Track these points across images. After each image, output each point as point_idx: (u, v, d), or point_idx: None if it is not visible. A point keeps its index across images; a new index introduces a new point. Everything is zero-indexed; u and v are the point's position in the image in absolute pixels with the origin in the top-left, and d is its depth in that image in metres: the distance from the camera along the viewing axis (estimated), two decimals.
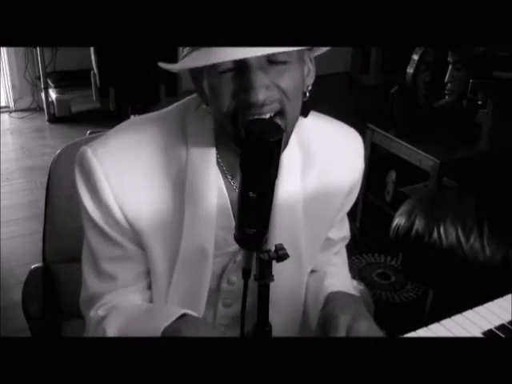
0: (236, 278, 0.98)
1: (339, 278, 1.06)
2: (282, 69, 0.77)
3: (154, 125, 0.90)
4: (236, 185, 0.90)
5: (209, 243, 0.90)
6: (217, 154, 0.88)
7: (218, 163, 0.89)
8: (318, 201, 0.96)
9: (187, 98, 0.93)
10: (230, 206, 0.91)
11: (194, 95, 0.91)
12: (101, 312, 0.93)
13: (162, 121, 0.90)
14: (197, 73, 0.82)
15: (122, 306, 0.93)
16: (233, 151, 0.86)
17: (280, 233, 0.90)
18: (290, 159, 0.91)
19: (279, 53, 0.74)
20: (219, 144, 0.88)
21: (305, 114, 0.85)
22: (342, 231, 1.11)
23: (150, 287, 0.96)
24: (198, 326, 0.83)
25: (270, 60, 0.75)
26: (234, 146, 0.85)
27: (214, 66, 0.75)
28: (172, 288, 0.92)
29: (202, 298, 0.95)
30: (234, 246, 0.93)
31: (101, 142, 0.88)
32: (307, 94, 0.85)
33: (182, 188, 0.87)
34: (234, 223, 0.91)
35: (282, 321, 0.98)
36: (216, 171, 0.88)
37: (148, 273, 0.94)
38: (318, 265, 1.08)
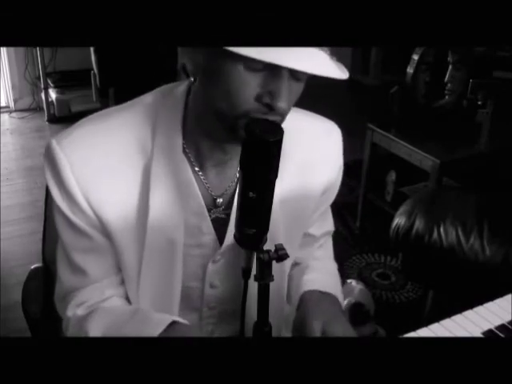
0: (219, 282, 0.98)
1: (321, 272, 1.06)
2: (297, 85, 0.78)
3: (121, 114, 0.89)
4: (204, 177, 0.90)
5: (176, 232, 0.89)
6: (183, 143, 0.88)
7: (185, 153, 0.88)
8: (294, 198, 0.95)
9: (156, 89, 0.92)
10: (199, 193, 0.90)
11: (162, 87, 0.91)
12: (79, 312, 0.92)
13: (129, 110, 0.90)
14: (209, 54, 0.77)
15: (102, 308, 0.91)
16: (206, 142, 0.86)
17: None
18: None
19: (302, 72, 0.74)
20: (188, 133, 0.87)
21: None
22: (324, 227, 1.10)
23: (123, 282, 0.95)
24: (187, 334, 0.83)
25: (293, 75, 0.75)
26: (204, 140, 0.86)
27: (244, 61, 0.72)
28: (142, 280, 0.91)
29: (176, 290, 0.93)
30: (210, 238, 0.93)
31: (66, 132, 0.88)
32: None
33: (147, 176, 0.87)
34: (205, 209, 0.91)
35: None
36: (183, 159, 0.88)
37: (119, 267, 0.93)
38: (301, 259, 1.09)
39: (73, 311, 0.93)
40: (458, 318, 1.04)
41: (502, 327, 1.02)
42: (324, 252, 1.15)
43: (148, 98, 0.91)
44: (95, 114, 0.91)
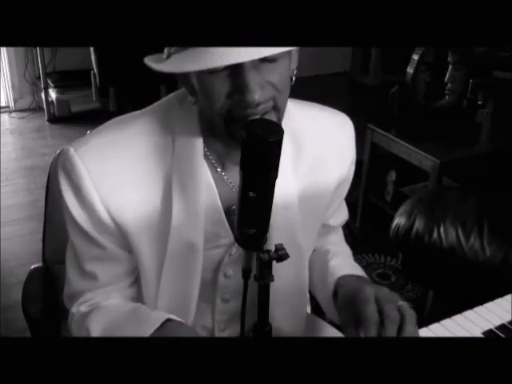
0: (232, 272, 0.97)
1: (343, 257, 1.08)
2: (273, 66, 0.77)
3: (139, 121, 0.89)
4: (227, 177, 0.90)
5: (197, 238, 0.89)
6: (204, 147, 0.88)
7: (206, 156, 0.88)
8: (310, 193, 0.96)
9: (171, 95, 0.93)
10: (218, 199, 0.90)
11: (177, 92, 0.91)
12: (83, 308, 0.94)
13: (146, 117, 0.90)
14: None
15: (104, 305, 0.93)
16: (224, 142, 0.86)
17: (276, 229, 0.89)
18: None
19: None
20: (206, 137, 0.87)
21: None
22: (340, 217, 1.13)
23: (131, 285, 0.97)
24: (180, 333, 0.83)
25: (262, 58, 0.74)
26: (225, 138, 0.85)
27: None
28: (162, 285, 0.92)
29: (193, 294, 0.94)
30: (227, 239, 0.94)
31: (83, 141, 0.88)
32: (293, 79, 0.84)
33: (169, 183, 0.86)
34: (224, 216, 0.92)
35: (287, 314, 0.98)
36: (203, 165, 0.88)
37: (129, 273, 0.95)
38: (317, 246, 1.09)
39: (77, 308, 0.95)
40: (457, 318, 1.04)
41: (502, 327, 1.02)
42: (338, 236, 1.17)
43: (165, 104, 0.92)
44: (111, 122, 0.91)
